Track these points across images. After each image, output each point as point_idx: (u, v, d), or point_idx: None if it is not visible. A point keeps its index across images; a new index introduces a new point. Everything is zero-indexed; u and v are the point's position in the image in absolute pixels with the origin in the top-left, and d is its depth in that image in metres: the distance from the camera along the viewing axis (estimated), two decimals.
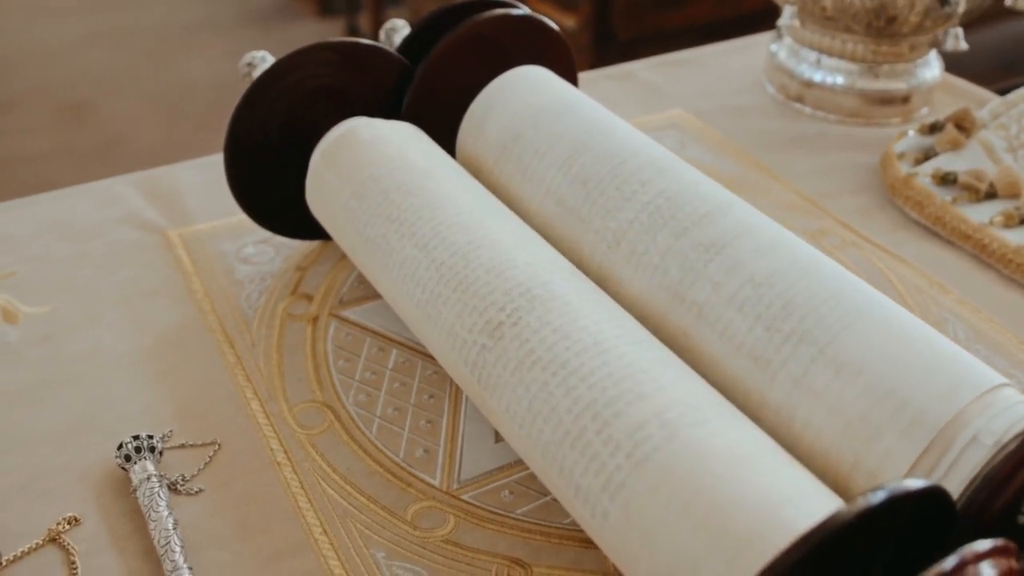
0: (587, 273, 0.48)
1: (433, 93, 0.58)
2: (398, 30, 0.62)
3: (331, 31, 2.86)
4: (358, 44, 0.56)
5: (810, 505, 0.33)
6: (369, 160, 0.51)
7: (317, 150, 0.54)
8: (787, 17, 0.76)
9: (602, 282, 0.47)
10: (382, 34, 0.62)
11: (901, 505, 0.29)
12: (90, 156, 2.21)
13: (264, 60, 0.57)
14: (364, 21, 2.73)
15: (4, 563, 0.43)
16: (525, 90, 0.55)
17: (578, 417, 0.37)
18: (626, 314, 0.43)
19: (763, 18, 0.80)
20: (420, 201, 0.48)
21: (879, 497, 0.28)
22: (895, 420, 0.36)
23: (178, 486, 0.46)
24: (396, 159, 0.51)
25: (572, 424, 0.37)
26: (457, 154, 0.57)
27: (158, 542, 0.42)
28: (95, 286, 0.59)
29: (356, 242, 0.50)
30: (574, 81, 0.63)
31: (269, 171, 0.57)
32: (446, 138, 0.58)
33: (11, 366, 0.53)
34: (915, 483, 0.30)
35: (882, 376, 0.37)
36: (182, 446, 0.48)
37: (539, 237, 0.48)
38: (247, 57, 0.57)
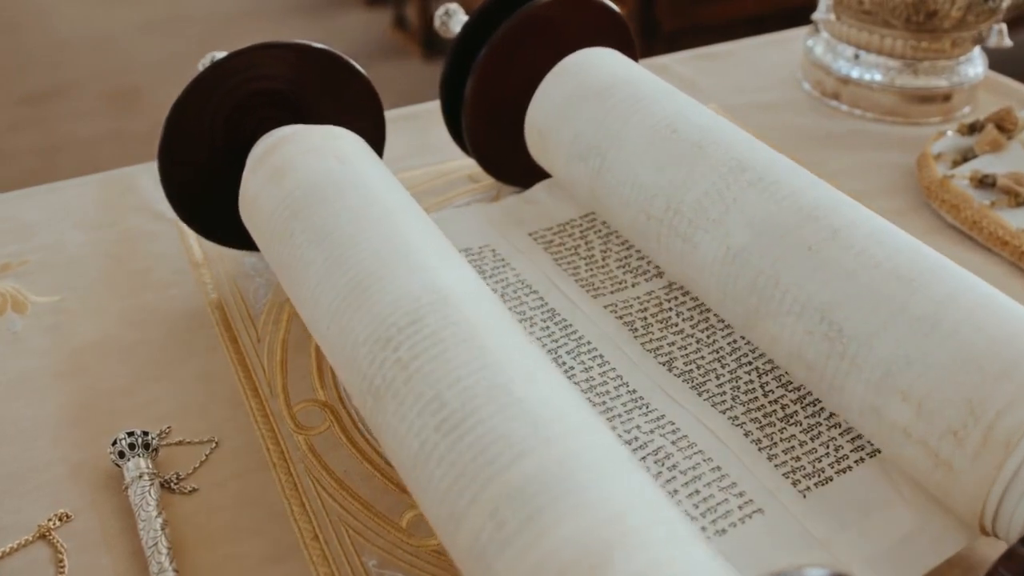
0: (689, 195, 0.48)
1: (497, 75, 0.58)
2: (455, 14, 0.61)
3: (378, 20, 2.86)
4: (310, 47, 0.54)
5: None
6: (260, 211, 0.49)
7: (241, 187, 0.52)
8: (822, 10, 0.73)
9: (710, 201, 0.47)
10: (437, 19, 0.61)
11: None
12: (139, 141, 2.23)
13: None
14: (411, 11, 2.72)
15: None
16: (618, 57, 0.57)
17: (435, 526, 0.35)
18: (488, 347, 0.38)
19: (809, 12, 0.77)
20: (295, 259, 0.45)
21: None
22: None
23: (172, 484, 0.45)
24: (278, 206, 0.48)
25: (435, 523, 0.35)
26: (532, 107, 0.57)
27: (146, 542, 0.42)
28: (105, 276, 0.59)
29: None
30: None
31: (211, 175, 0.55)
32: (508, 121, 0.59)
33: (15, 355, 0.53)
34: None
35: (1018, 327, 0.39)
36: (179, 443, 0.48)
37: (414, 241, 0.43)
38: (204, 60, 0.55)
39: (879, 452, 0.43)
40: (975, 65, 0.75)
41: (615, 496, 0.32)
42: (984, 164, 0.65)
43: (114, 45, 2.76)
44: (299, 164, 0.49)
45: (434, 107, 0.75)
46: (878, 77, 0.74)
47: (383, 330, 0.39)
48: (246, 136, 0.53)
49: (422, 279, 0.40)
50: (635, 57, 0.61)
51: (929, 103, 0.74)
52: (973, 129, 0.68)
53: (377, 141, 0.57)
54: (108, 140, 2.34)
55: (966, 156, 0.66)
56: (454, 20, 0.61)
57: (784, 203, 0.45)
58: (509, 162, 0.62)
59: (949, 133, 0.69)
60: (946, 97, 0.75)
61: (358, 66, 0.55)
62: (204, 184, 0.55)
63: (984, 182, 0.63)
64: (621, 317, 0.52)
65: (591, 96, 0.54)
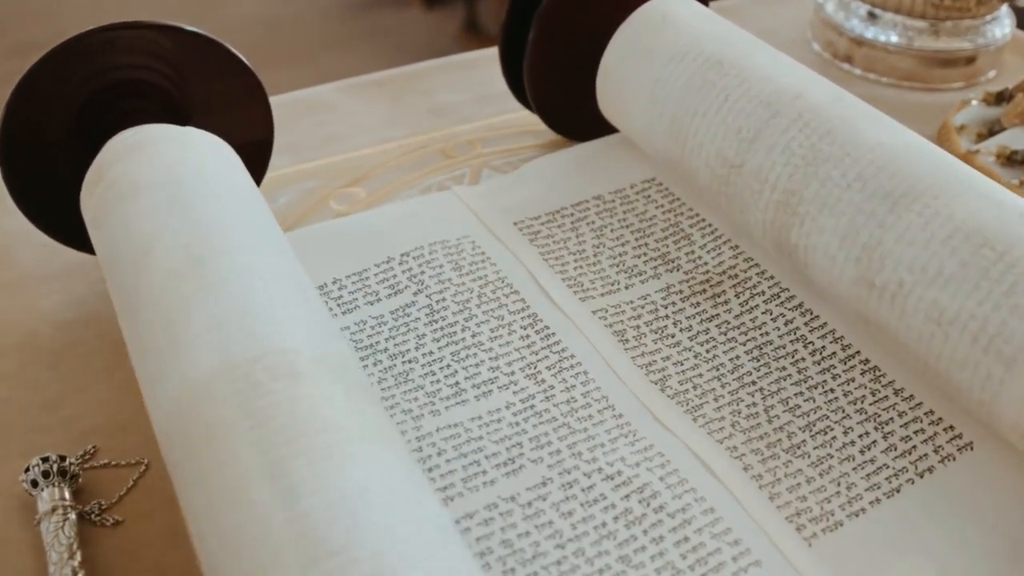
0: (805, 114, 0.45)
1: (562, 24, 0.55)
2: None
3: None
4: (181, 30, 0.47)
5: None
6: (96, 240, 0.43)
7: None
8: None
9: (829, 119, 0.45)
10: None
11: None
12: None
13: None
14: None
15: None
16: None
17: None
18: (209, 471, 0.32)
19: None
20: (123, 296, 0.40)
21: None
22: None
23: (93, 516, 0.40)
24: (119, 233, 0.41)
25: None
26: (642, 11, 0.53)
27: None
28: (37, 268, 0.53)
29: None
30: None
31: (67, 172, 0.47)
32: (572, 72, 0.56)
33: None
34: None
35: None
36: (105, 465, 0.42)
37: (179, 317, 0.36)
38: None
39: (898, 492, 0.38)
40: (1002, 25, 0.69)
41: None
42: (1012, 138, 0.59)
43: None
44: (111, 214, 0.42)
45: (406, 72, 0.70)
46: (895, 38, 0.68)
47: (166, 451, 0.35)
48: (106, 129, 0.46)
49: (180, 371, 0.35)
50: None
51: (951, 67, 0.68)
52: (1001, 98, 0.62)
53: (263, 133, 0.51)
54: None
55: (992, 129, 0.60)
56: None
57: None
58: (570, 114, 0.59)
59: (974, 102, 0.62)
60: (969, 60, 0.68)
61: (237, 52, 0.49)
62: (57, 181, 0.48)
63: (1012, 159, 0.57)
64: (611, 325, 0.46)
65: (717, 19, 0.53)
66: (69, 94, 0.47)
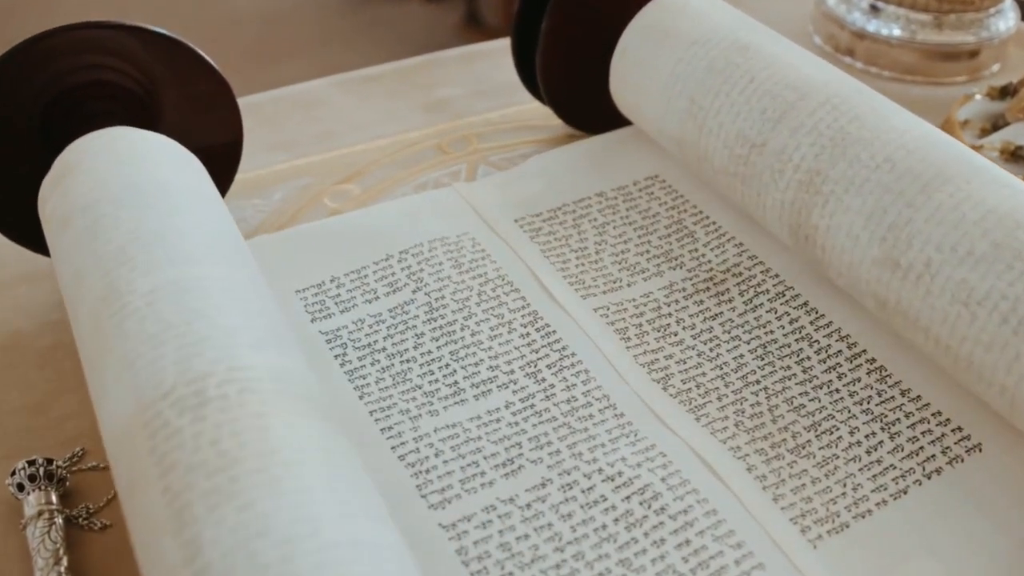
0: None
1: (574, 15, 0.55)
2: None
3: None
4: (148, 32, 0.46)
5: None
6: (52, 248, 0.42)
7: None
8: None
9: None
10: None
11: None
12: None
13: None
14: None
15: None
16: None
17: None
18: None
19: None
20: (72, 302, 0.38)
21: None
22: None
23: (80, 520, 0.39)
24: (59, 265, 0.40)
25: None
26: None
27: None
28: (20, 266, 0.51)
29: None
30: None
31: (24, 166, 0.46)
32: (585, 64, 0.56)
33: None
34: None
35: None
36: (94, 468, 0.41)
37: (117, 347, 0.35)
38: None
39: (905, 493, 0.37)
40: (1006, 18, 0.68)
41: None
42: (1016, 134, 0.58)
43: None
44: (55, 246, 0.41)
45: (401, 67, 0.69)
46: (897, 32, 0.67)
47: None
48: (70, 130, 0.45)
49: (106, 419, 0.33)
50: None
51: (954, 60, 0.67)
52: (1005, 93, 0.61)
53: (232, 135, 0.50)
54: None
55: (996, 124, 0.59)
56: None
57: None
58: (582, 106, 0.58)
59: (977, 97, 0.62)
60: (972, 54, 0.67)
61: (203, 53, 0.47)
62: (18, 182, 0.46)
63: (1016, 154, 0.56)
64: (613, 323, 0.45)
65: (738, 12, 0.52)
66: (32, 94, 0.45)
